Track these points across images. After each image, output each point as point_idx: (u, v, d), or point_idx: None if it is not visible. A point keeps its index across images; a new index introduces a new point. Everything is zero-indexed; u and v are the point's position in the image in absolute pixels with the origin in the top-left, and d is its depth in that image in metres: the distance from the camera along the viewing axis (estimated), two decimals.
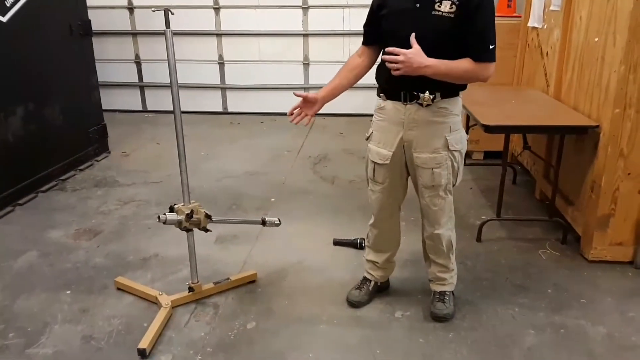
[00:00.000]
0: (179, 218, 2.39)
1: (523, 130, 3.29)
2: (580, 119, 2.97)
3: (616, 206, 2.77)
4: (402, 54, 1.94)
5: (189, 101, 5.85)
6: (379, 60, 2.26)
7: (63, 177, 4.15)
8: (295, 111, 2.25)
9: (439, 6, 2.00)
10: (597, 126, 2.79)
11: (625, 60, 2.58)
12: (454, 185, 2.29)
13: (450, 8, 1.99)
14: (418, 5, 2.03)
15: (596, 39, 2.91)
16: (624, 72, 2.60)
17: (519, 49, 4.22)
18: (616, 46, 2.65)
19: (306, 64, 6.11)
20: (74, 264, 2.93)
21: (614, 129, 2.68)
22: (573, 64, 3.24)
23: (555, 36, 3.45)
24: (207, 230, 2.51)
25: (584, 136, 2.93)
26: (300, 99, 2.23)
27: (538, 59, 3.82)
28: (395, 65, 1.96)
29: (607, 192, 2.76)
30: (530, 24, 3.98)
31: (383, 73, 2.12)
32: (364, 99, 5.09)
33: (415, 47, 1.96)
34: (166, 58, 2.26)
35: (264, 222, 2.74)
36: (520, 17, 4.31)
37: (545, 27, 3.71)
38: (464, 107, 2.29)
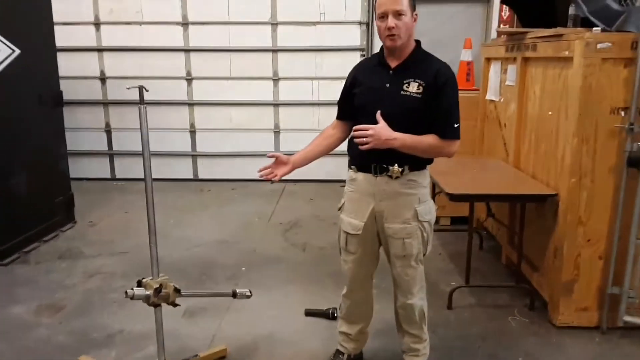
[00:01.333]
0: (147, 293, 2.33)
1: (486, 198, 3.42)
2: (539, 187, 3.11)
3: (579, 272, 2.86)
4: (371, 128, 2.06)
5: (159, 168, 5.84)
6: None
7: (26, 249, 4.02)
8: (265, 170, 2.30)
9: (407, 87, 2.14)
10: (556, 194, 2.92)
11: (577, 133, 2.76)
12: (424, 255, 2.34)
13: (417, 89, 2.13)
14: (388, 85, 2.18)
15: (550, 113, 3.11)
16: (578, 144, 2.77)
17: (478, 120, 4.44)
18: (568, 119, 2.83)
19: (277, 132, 6.25)
20: (34, 342, 2.80)
21: (572, 197, 2.81)
22: (530, 135, 3.43)
23: (512, 109, 3.67)
24: (175, 305, 2.45)
25: (544, 204, 3.05)
26: (273, 160, 2.30)
27: (497, 130, 4.02)
28: (364, 139, 2.06)
29: (569, 258, 2.85)
30: (488, 97, 4.23)
31: (354, 146, 2.21)
32: (334, 165, 5.22)
33: (382, 122, 2.08)
34: (136, 126, 2.29)
35: (234, 295, 2.70)
36: (478, 90, 4.58)
37: (502, 100, 3.94)
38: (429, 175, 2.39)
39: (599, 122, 2.73)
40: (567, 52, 2.81)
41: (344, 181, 2.41)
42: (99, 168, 6.37)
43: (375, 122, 2.08)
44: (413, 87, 2.13)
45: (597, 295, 2.89)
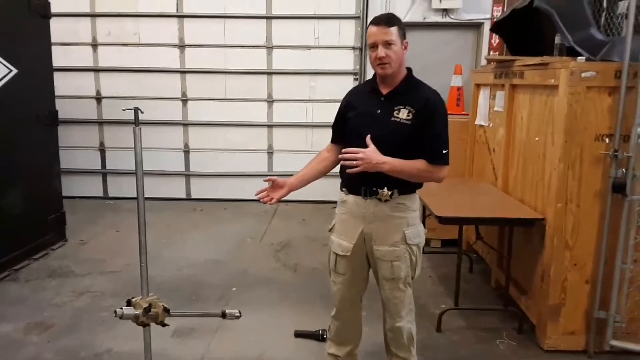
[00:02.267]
0: (136, 312, 2.33)
1: (474, 221, 3.46)
2: (526, 211, 3.15)
3: (566, 296, 2.89)
4: (361, 152, 2.10)
5: (152, 188, 5.85)
6: None
7: (16, 267, 4.01)
8: (262, 193, 2.35)
9: (397, 113, 2.20)
10: (543, 219, 2.97)
11: (563, 159, 2.82)
12: (412, 278, 2.36)
13: (407, 116, 2.19)
14: (379, 111, 2.24)
15: (537, 138, 3.18)
16: (564, 169, 2.83)
17: (468, 144, 4.52)
18: (555, 145, 2.90)
19: (270, 153, 6.31)
20: None
21: (558, 221, 2.86)
22: (517, 160, 3.49)
23: (500, 134, 3.74)
24: (164, 325, 2.45)
25: (532, 228, 3.09)
26: (270, 183, 2.34)
27: (486, 154, 4.09)
28: (353, 162, 2.10)
29: (556, 282, 2.88)
30: (477, 122, 4.30)
31: (345, 169, 2.26)
32: (326, 186, 5.22)
33: (372, 146, 2.13)
34: (131, 145, 2.31)
35: (224, 315, 2.69)
36: (468, 115, 4.66)
37: (491, 125, 4.01)
38: (419, 197, 2.43)
39: (584, 148, 2.80)
40: (552, 80, 2.88)
41: (336, 202, 2.44)
42: (92, 186, 6.37)
43: (366, 146, 2.13)
44: (403, 114, 2.19)
45: (584, 319, 2.91)
